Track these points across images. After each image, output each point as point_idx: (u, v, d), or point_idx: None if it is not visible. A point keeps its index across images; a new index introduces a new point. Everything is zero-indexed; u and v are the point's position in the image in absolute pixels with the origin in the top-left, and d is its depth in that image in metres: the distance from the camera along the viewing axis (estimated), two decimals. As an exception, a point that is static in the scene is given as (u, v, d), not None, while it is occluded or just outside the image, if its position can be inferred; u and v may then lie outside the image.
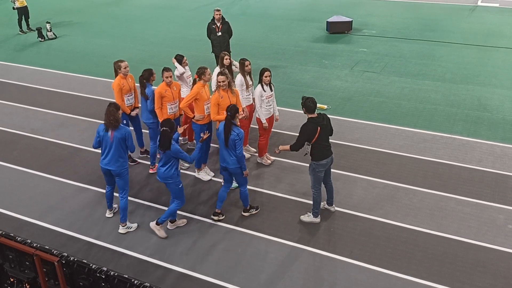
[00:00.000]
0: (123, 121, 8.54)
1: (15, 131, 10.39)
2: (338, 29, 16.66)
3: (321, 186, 7.11)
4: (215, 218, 7.40)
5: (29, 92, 12.46)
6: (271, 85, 8.42)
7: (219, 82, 7.70)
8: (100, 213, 7.66)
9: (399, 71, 13.20)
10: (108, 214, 7.59)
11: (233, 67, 9.06)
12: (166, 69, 8.09)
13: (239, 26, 16.26)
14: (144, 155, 9.13)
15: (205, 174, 8.48)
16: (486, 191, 7.94)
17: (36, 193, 8.23)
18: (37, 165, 9.05)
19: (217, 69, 8.87)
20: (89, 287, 4.87)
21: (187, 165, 8.81)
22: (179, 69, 8.87)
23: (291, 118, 10.46)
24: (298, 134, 6.88)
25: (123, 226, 7.24)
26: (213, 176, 8.49)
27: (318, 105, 11.04)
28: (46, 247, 5.03)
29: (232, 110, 6.90)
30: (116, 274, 4.72)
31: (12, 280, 5.31)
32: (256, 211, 7.57)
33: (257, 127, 8.70)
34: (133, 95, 8.58)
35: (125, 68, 8.39)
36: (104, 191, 8.10)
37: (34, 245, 5.04)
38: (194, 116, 8.04)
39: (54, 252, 4.93)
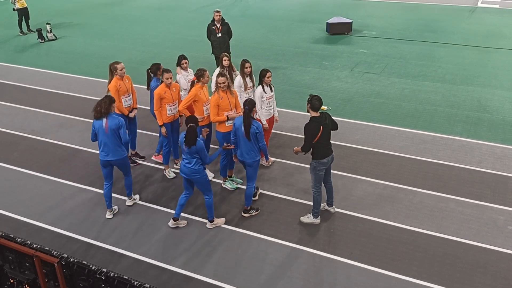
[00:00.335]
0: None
1: (15, 132, 10.39)
2: (338, 30, 16.67)
3: (321, 185, 7.12)
4: (255, 198, 7.77)
5: (29, 93, 12.47)
6: (271, 86, 8.43)
7: (219, 83, 7.69)
8: (100, 214, 7.65)
9: (399, 72, 13.21)
10: (108, 215, 7.58)
11: (234, 75, 9.00)
12: (166, 71, 8.09)
13: (239, 27, 16.27)
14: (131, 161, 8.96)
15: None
16: (486, 192, 7.94)
17: (36, 194, 8.23)
18: (37, 166, 9.05)
19: (218, 70, 8.87)
20: (89, 288, 4.87)
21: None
22: (181, 84, 8.87)
23: (291, 119, 10.46)
24: (300, 135, 6.89)
25: (129, 199, 7.82)
26: (213, 177, 8.48)
27: (318, 106, 11.10)
28: (46, 248, 5.03)
29: (250, 104, 7.04)
30: (116, 275, 4.72)
31: (12, 281, 5.31)
32: (256, 213, 7.57)
33: None
34: (130, 96, 8.58)
35: (121, 69, 8.39)
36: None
37: (34, 246, 5.04)
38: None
39: (54, 253, 4.92)
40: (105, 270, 4.75)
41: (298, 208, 7.65)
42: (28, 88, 12.81)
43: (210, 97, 7.95)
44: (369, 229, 7.17)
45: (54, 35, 17.18)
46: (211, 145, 8.78)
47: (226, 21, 12.28)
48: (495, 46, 15.05)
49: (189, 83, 8.88)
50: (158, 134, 9.31)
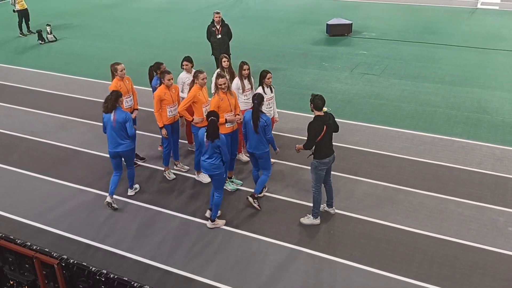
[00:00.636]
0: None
1: (15, 133, 10.40)
2: (338, 32, 16.68)
3: (321, 186, 7.12)
4: (261, 195, 7.85)
5: (29, 94, 12.48)
6: (272, 87, 8.44)
7: (220, 84, 7.70)
8: (100, 215, 7.66)
9: (399, 73, 13.22)
10: (108, 199, 7.71)
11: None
12: (168, 72, 8.12)
13: (239, 29, 16.27)
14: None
15: (205, 177, 8.48)
16: (486, 193, 7.94)
17: (36, 195, 8.24)
18: (37, 167, 9.05)
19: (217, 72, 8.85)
20: (88, 290, 4.87)
21: (186, 167, 8.82)
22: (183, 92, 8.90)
23: (291, 120, 10.46)
24: (300, 136, 6.90)
25: (131, 190, 8.11)
26: (213, 179, 8.49)
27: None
28: (46, 249, 5.03)
29: (259, 98, 7.33)
30: (116, 276, 4.72)
31: (11, 282, 5.30)
32: (257, 205, 7.65)
33: None
34: (131, 97, 8.59)
35: (121, 70, 8.41)
36: (103, 193, 8.15)
37: (34, 247, 5.04)
38: (193, 119, 8.04)
39: (54, 255, 4.92)
40: (105, 271, 4.75)
41: (298, 209, 7.65)
42: (28, 89, 12.82)
43: (210, 99, 7.95)
44: (369, 230, 7.18)
45: (54, 36, 17.19)
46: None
47: (226, 22, 12.30)
48: (495, 48, 15.06)
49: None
50: (159, 136, 9.30)
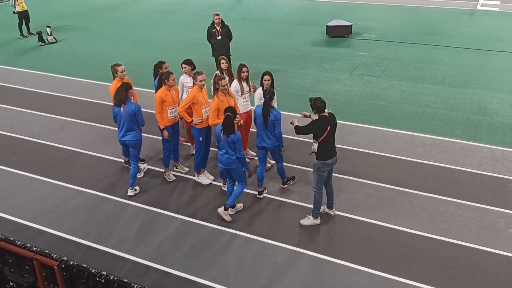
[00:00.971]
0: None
1: (15, 135, 10.39)
2: (338, 33, 16.70)
3: (322, 186, 7.12)
4: (261, 196, 7.99)
5: (29, 96, 12.48)
6: (274, 90, 8.39)
7: (223, 86, 7.70)
8: (100, 217, 7.65)
9: (399, 75, 13.22)
10: (130, 192, 8.15)
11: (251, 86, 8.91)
12: (171, 72, 8.18)
13: (239, 30, 16.29)
14: (129, 164, 8.86)
15: (205, 178, 8.48)
16: (486, 195, 7.94)
17: (36, 196, 8.23)
18: (37, 169, 9.05)
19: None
20: (88, 291, 4.86)
21: (186, 169, 8.81)
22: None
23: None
24: (300, 138, 6.93)
25: (131, 190, 8.16)
26: (213, 180, 8.48)
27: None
28: (45, 251, 5.02)
29: (270, 93, 7.54)
30: (115, 278, 4.71)
31: (11, 284, 5.30)
32: (294, 182, 8.24)
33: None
34: (131, 98, 8.57)
35: (121, 72, 8.41)
36: (103, 194, 8.17)
37: (34, 249, 5.03)
38: (193, 120, 8.04)
39: (54, 256, 4.92)
40: (104, 273, 4.75)
41: (298, 211, 7.65)
42: (28, 91, 12.82)
43: (210, 100, 7.95)
44: (369, 232, 7.17)
45: (54, 38, 17.20)
46: (211, 148, 8.77)
47: (226, 23, 12.31)
48: (494, 49, 15.07)
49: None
50: (159, 137, 9.30)
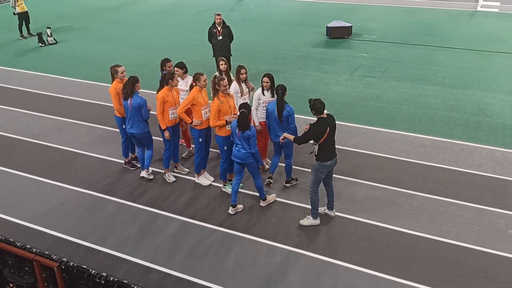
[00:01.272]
0: (122, 126, 8.62)
1: (15, 136, 10.39)
2: (338, 34, 16.70)
3: (319, 187, 7.13)
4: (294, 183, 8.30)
5: (29, 97, 12.48)
6: (275, 91, 8.35)
7: (224, 86, 7.71)
8: (100, 218, 7.65)
9: (399, 76, 13.22)
10: (143, 174, 8.59)
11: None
12: (175, 73, 8.26)
13: (239, 31, 16.29)
14: (129, 165, 8.98)
15: (204, 179, 8.48)
16: (486, 196, 7.94)
17: (36, 197, 8.23)
18: (36, 169, 9.04)
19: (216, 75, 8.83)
20: (88, 293, 4.86)
21: (186, 170, 8.81)
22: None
23: (291, 123, 10.45)
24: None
25: (146, 171, 8.58)
26: (213, 181, 8.48)
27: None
28: (45, 252, 5.02)
29: (282, 88, 7.71)
30: (115, 279, 4.71)
31: (11, 285, 5.30)
32: (296, 183, 8.28)
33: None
34: (139, 92, 8.56)
35: (122, 72, 8.42)
36: (103, 195, 8.17)
37: (34, 250, 5.03)
38: (192, 121, 8.03)
39: (54, 258, 4.92)
40: (104, 274, 4.75)
41: (298, 211, 7.64)
42: (28, 92, 12.82)
43: (210, 101, 7.94)
44: (369, 233, 7.17)
45: (54, 39, 17.20)
46: (211, 149, 8.78)
47: (227, 24, 12.32)
48: (494, 50, 15.08)
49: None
50: (159, 138, 9.30)
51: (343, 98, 11.88)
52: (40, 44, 16.87)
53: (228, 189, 8.18)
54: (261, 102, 8.25)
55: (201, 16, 20.34)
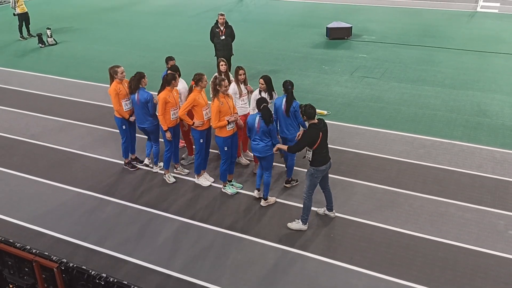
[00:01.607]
0: (122, 126, 8.61)
1: (15, 136, 10.39)
2: (338, 35, 16.72)
3: (313, 192, 7.11)
4: (288, 185, 8.33)
5: (29, 98, 12.48)
6: (273, 93, 8.38)
7: (225, 87, 7.72)
8: (100, 219, 7.64)
9: (399, 76, 13.23)
10: (147, 161, 9.01)
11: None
12: (177, 74, 8.29)
13: (240, 32, 16.27)
14: (129, 166, 8.99)
15: (205, 180, 8.48)
16: (486, 196, 7.94)
17: (36, 198, 8.22)
18: (36, 170, 9.04)
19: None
20: (88, 294, 4.85)
21: (186, 171, 8.81)
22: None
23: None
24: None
25: (156, 167, 8.84)
26: (213, 182, 8.48)
27: (318, 110, 11.11)
28: (45, 253, 5.02)
29: (291, 83, 7.98)
30: (115, 280, 4.70)
31: (11, 286, 5.29)
32: (296, 184, 8.28)
33: None
34: (130, 100, 8.58)
35: (121, 73, 8.42)
36: (103, 196, 8.18)
37: (33, 251, 5.03)
38: (194, 122, 8.03)
39: (54, 258, 4.91)
40: (104, 275, 4.74)
41: (298, 212, 7.62)
42: (28, 92, 12.82)
43: (210, 102, 7.94)
44: (369, 234, 7.16)
45: (54, 40, 17.21)
46: (210, 150, 8.78)
47: (229, 24, 12.39)
48: (494, 51, 15.08)
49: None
50: (160, 139, 9.29)
51: (343, 98, 11.88)
52: (40, 45, 16.88)
53: (229, 190, 8.18)
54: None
55: (201, 17, 20.35)
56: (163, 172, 8.67)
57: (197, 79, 7.94)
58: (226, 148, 7.87)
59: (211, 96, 8.02)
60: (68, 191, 8.41)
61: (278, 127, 8.06)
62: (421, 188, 8.18)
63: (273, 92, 8.40)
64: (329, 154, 7.06)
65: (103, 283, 4.70)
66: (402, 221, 7.41)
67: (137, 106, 8.34)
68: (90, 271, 4.80)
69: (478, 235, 7.08)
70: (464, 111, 11.04)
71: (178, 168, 8.82)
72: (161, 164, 8.80)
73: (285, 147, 7.17)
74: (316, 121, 6.85)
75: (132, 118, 8.65)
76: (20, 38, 17.86)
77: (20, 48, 16.97)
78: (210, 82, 8.40)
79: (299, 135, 7.15)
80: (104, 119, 10.92)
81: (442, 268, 6.49)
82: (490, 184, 8.27)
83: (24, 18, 17.71)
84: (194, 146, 8.54)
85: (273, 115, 8.01)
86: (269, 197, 7.89)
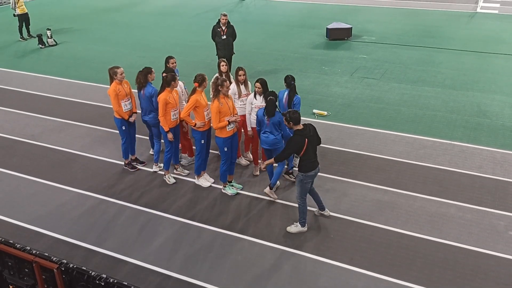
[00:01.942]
0: (121, 127, 8.61)
1: (14, 137, 10.39)
2: (338, 36, 16.72)
3: (306, 197, 7.09)
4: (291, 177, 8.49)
5: (29, 98, 12.48)
6: (285, 82, 8.37)
7: (227, 87, 7.73)
8: (100, 219, 7.64)
9: (399, 77, 13.23)
10: (152, 152, 9.26)
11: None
12: (176, 76, 8.32)
13: (240, 33, 16.25)
14: (129, 166, 8.99)
15: (205, 181, 8.48)
16: (486, 197, 7.93)
17: (36, 199, 8.22)
18: (36, 171, 9.04)
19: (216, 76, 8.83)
20: (88, 294, 4.85)
21: (186, 171, 8.81)
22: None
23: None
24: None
25: (155, 166, 8.92)
26: (213, 183, 8.48)
27: (318, 111, 11.14)
28: (45, 254, 5.01)
29: (293, 79, 8.24)
30: (115, 281, 4.70)
31: (11, 287, 5.29)
32: (295, 177, 8.13)
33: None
34: (130, 100, 8.59)
35: (121, 74, 8.43)
36: (103, 197, 8.18)
37: (33, 252, 5.02)
38: (196, 124, 8.03)
39: (54, 259, 4.91)
40: (104, 276, 4.73)
41: (297, 213, 7.62)
42: (28, 93, 12.82)
43: (210, 103, 7.94)
44: (369, 234, 7.16)
45: (54, 40, 17.22)
46: (211, 150, 8.78)
47: (231, 23, 12.44)
48: (494, 51, 15.09)
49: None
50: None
51: (343, 99, 11.88)
52: (40, 45, 16.89)
53: (229, 191, 8.18)
54: (253, 106, 8.24)
55: (201, 17, 20.36)
56: (162, 172, 8.66)
57: (201, 80, 7.91)
58: (226, 149, 7.87)
59: (211, 96, 8.03)
60: (68, 191, 8.41)
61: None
62: (421, 189, 8.18)
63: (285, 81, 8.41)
64: (318, 159, 7.01)
65: (103, 283, 4.69)
66: (402, 221, 7.41)
67: (142, 99, 8.54)
68: (90, 272, 4.79)
69: (478, 235, 7.07)
70: (464, 111, 11.04)
71: (178, 169, 8.82)
72: (161, 165, 8.78)
73: (271, 160, 7.12)
74: (301, 127, 6.78)
75: (131, 119, 8.65)
76: (20, 39, 17.87)
77: (20, 49, 16.97)
78: (210, 83, 8.41)
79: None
80: (104, 119, 10.92)
81: (442, 268, 6.49)
82: (490, 184, 8.27)
83: (24, 19, 17.72)
84: (194, 147, 8.54)
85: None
86: (273, 193, 7.96)
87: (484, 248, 6.83)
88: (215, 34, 12.37)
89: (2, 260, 5.26)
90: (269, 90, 8.14)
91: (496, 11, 20.33)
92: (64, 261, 4.89)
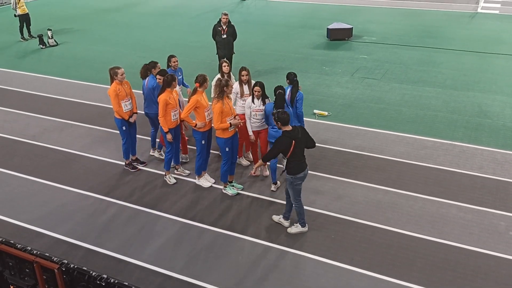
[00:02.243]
0: (122, 127, 8.61)
1: (15, 137, 10.39)
2: (339, 36, 16.72)
3: (301, 197, 7.06)
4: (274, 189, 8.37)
5: (30, 98, 12.49)
6: (266, 100, 8.20)
7: (231, 87, 7.74)
8: (101, 220, 7.64)
9: (400, 77, 13.23)
10: (152, 152, 9.37)
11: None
12: (176, 76, 8.35)
13: (240, 33, 16.24)
14: (130, 167, 8.99)
15: (205, 181, 8.48)
16: (487, 197, 7.93)
17: (36, 199, 8.22)
18: (37, 171, 9.04)
19: (218, 77, 8.80)
20: (89, 295, 4.85)
21: (187, 171, 8.81)
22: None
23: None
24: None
25: (152, 150, 9.35)
26: (214, 183, 8.48)
27: (319, 111, 11.14)
28: (46, 254, 5.01)
29: (296, 75, 8.37)
30: (116, 281, 4.70)
31: (12, 287, 5.29)
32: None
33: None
34: (130, 101, 8.58)
35: (121, 74, 8.42)
36: (103, 197, 8.18)
37: (34, 252, 5.02)
38: (196, 124, 8.02)
39: (54, 259, 4.91)
40: (105, 276, 4.74)
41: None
42: (28, 93, 12.83)
43: (210, 103, 7.94)
44: (370, 235, 7.16)
45: (55, 41, 17.23)
46: (211, 151, 8.78)
47: (232, 23, 12.45)
48: (495, 52, 15.09)
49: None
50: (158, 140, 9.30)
51: (343, 99, 11.88)
52: (41, 46, 16.90)
53: (229, 191, 8.18)
54: (251, 110, 8.19)
55: (202, 18, 20.37)
56: (162, 157, 9.02)
57: (202, 80, 7.90)
58: (227, 149, 7.86)
59: (211, 96, 8.02)
60: (69, 191, 8.41)
61: None
62: (422, 189, 8.18)
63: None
64: (306, 161, 6.95)
65: (103, 284, 4.69)
66: (403, 222, 7.41)
67: (145, 89, 8.73)
68: (91, 272, 4.79)
69: (479, 236, 7.07)
70: (465, 112, 11.04)
71: (178, 169, 8.81)
72: (162, 152, 9.04)
73: (261, 163, 7.15)
74: (289, 128, 6.74)
75: (132, 119, 8.65)
76: (21, 39, 17.88)
77: (21, 49, 16.98)
78: (211, 83, 8.41)
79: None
80: (104, 119, 10.93)
81: (443, 269, 6.48)
82: (491, 185, 8.26)
83: (25, 19, 17.72)
84: (195, 147, 8.54)
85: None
86: (273, 185, 8.24)
87: (485, 248, 6.82)
88: (216, 33, 12.39)
89: (3, 260, 5.26)
90: (265, 93, 8.16)
91: (497, 11, 20.33)
92: (65, 261, 4.89)
